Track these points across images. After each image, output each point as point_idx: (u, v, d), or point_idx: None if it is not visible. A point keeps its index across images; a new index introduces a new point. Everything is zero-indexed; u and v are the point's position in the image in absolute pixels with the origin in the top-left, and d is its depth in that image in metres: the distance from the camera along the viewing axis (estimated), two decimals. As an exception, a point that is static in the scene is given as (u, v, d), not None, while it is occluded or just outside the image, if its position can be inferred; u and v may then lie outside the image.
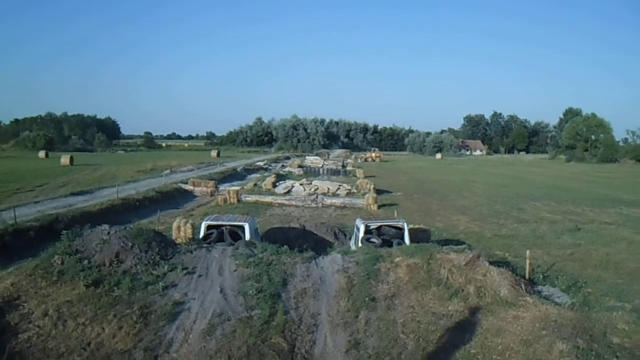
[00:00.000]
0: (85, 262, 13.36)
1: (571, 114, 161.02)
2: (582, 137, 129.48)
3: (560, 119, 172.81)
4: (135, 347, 10.74)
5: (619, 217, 32.94)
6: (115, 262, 13.51)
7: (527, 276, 16.86)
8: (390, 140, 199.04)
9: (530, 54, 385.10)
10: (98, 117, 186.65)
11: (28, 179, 46.82)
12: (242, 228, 18.11)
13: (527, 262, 17.72)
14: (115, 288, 12.64)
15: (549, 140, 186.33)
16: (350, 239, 21.21)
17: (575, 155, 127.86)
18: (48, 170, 57.97)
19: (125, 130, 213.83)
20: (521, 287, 14.03)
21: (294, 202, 37.58)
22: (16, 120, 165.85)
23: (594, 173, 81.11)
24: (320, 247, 18.90)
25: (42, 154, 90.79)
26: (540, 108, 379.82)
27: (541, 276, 18.05)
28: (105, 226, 14.83)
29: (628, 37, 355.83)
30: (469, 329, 11.91)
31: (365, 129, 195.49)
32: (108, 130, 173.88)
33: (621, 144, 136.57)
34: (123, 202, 32.92)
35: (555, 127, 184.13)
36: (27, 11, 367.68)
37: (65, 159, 70.09)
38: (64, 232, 14.78)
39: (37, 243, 20.03)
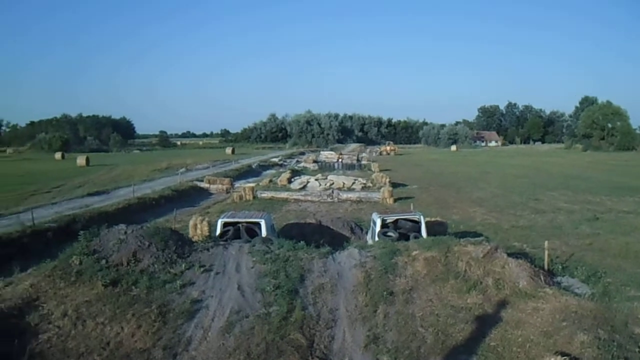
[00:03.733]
0: (103, 262, 13.42)
1: (587, 102, 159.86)
2: (599, 125, 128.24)
3: (576, 107, 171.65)
4: (154, 346, 10.79)
5: (637, 206, 32.63)
6: (133, 261, 13.56)
7: (545, 267, 16.76)
8: (405, 133, 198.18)
9: (545, 42, 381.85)
10: (113, 117, 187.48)
11: (45, 180, 47.18)
12: (258, 225, 18.13)
13: (546, 252, 17.62)
14: (133, 287, 12.70)
15: (564, 130, 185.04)
16: (366, 233, 21.17)
17: (591, 144, 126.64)
18: (64, 171, 58.43)
19: (140, 129, 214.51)
20: (540, 278, 13.93)
21: (309, 198, 37.61)
22: (32, 123, 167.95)
23: (611, 161, 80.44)
24: (336, 242, 18.85)
25: (58, 155, 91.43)
26: (556, 97, 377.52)
27: (560, 267, 17.95)
28: (122, 226, 14.89)
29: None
30: (488, 322, 11.84)
31: (379, 122, 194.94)
32: (123, 130, 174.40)
33: (638, 131, 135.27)
34: (139, 202, 33.13)
35: (571, 116, 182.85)
36: (41, 14, 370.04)
37: (81, 160, 70.66)
38: (82, 232, 14.83)
39: (55, 244, 20.05)
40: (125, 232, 14.39)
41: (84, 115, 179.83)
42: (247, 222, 18.35)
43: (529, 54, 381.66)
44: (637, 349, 10.38)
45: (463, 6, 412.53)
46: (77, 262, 13.33)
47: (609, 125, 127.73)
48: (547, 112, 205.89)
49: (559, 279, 16.40)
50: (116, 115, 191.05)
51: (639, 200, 35.08)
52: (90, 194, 36.32)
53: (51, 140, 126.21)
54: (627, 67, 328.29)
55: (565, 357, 9.61)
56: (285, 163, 77.63)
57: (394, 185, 43.38)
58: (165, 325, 11.46)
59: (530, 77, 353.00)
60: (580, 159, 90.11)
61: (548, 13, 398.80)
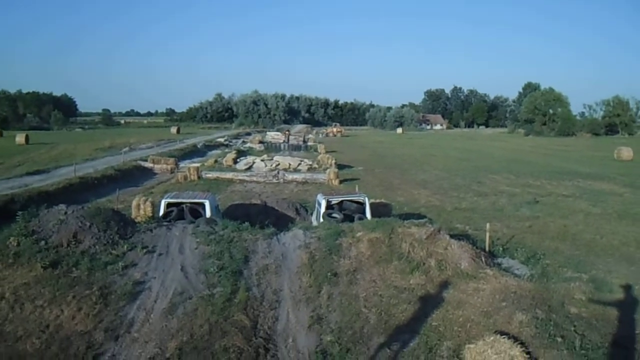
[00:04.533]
0: (42, 243, 13.10)
1: (530, 88, 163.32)
2: (541, 111, 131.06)
3: (519, 93, 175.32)
4: (95, 328, 10.59)
5: (576, 190, 33.49)
6: (73, 243, 13.28)
7: (487, 249, 17.03)
8: (352, 115, 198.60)
9: (490, 30, 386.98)
10: (54, 94, 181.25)
11: (-18, 159, 45.69)
12: (202, 205, 17.94)
13: (487, 234, 17.91)
14: (74, 269, 12.42)
15: (508, 115, 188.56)
16: (311, 214, 21.23)
17: (533, 129, 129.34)
18: (2, 149, 56.65)
19: (82, 107, 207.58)
20: (481, 259, 14.19)
21: (255, 178, 37.44)
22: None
23: (551, 146, 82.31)
24: (281, 223, 18.82)
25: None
26: (500, 82, 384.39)
27: (501, 248, 18.25)
28: (62, 206, 14.55)
29: (586, 12, 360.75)
30: (430, 302, 12.01)
31: (326, 104, 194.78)
32: (65, 108, 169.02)
33: (578, 117, 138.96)
34: (81, 181, 32.36)
35: (514, 101, 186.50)
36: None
37: (20, 138, 68.65)
38: (20, 213, 14.43)
39: (-9, 224, 19.57)
40: (66, 213, 14.06)
41: (24, 91, 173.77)
42: (191, 203, 18.13)
43: (474, 40, 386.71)
44: (572, 328, 10.67)
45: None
46: (14, 243, 12.98)
47: (551, 111, 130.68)
48: (492, 97, 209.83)
49: (499, 260, 16.67)
50: (58, 92, 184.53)
51: (577, 185, 36.01)
52: (29, 173, 35.33)
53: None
54: (570, 55, 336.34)
55: (504, 336, 9.81)
56: (231, 143, 76.91)
57: (340, 166, 43.48)
58: (106, 308, 11.25)
59: (476, 62, 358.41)
60: (522, 144, 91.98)
61: (492, 1, 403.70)
